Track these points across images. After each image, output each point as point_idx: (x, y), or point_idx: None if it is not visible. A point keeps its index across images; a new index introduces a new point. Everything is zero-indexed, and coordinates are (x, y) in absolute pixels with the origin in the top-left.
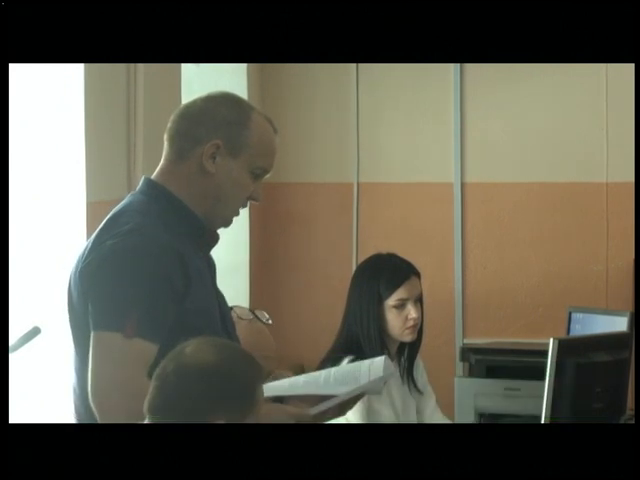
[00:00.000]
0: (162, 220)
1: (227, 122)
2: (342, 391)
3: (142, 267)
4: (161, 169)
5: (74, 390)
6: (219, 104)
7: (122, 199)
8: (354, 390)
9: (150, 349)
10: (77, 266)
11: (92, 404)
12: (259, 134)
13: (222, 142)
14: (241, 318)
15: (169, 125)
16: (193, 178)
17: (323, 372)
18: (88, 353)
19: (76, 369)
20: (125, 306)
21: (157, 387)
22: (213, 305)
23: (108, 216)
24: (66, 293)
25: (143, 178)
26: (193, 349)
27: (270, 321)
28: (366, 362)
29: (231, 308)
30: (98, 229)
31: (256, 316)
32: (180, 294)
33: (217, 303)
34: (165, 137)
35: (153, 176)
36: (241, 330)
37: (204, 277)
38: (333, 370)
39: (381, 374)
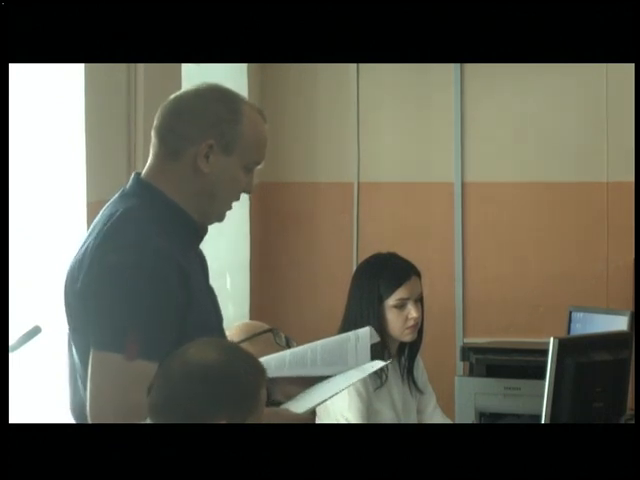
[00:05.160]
0: (159, 226)
1: (219, 120)
2: (329, 372)
3: (143, 285)
4: (152, 167)
5: (73, 410)
6: (209, 100)
7: None
8: (344, 382)
9: (152, 369)
10: (73, 278)
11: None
12: (251, 128)
13: (215, 141)
14: (279, 344)
15: (158, 121)
16: (187, 178)
17: (309, 350)
18: (82, 359)
19: (80, 376)
20: (126, 326)
21: (159, 387)
22: (212, 314)
23: (105, 226)
24: (63, 299)
25: (134, 176)
26: (196, 350)
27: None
28: (351, 337)
29: (270, 330)
30: (94, 240)
31: (289, 347)
32: (182, 309)
33: (212, 304)
34: (153, 133)
35: (144, 174)
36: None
37: (202, 284)
38: (319, 347)
39: (368, 347)
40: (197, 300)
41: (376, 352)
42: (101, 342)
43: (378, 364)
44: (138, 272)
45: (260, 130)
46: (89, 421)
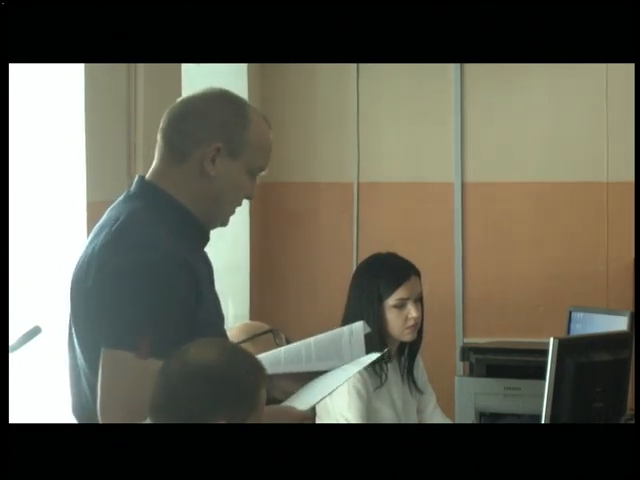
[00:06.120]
0: (166, 228)
1: (227, 124)
2: (325, 367)
3: (153, 284)
4: (158, 170)
5: (75, 410)
6: (217, 104)
7: None
8: (342, 375)
9: None
10: (80, 279)
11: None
12: (257, 134)
13: (223, 144)
14: (279, 345)
15: (164, 124)
16: (193, 181)
17: (303, 346)
18: (89, 358)
19: (85, 375)
20: (138, 325)
21: (160, 387)
22: (214, 315)
23: (112, 227)
24: (68, 299)
25: (139, 179)
26: (196, 350)
27: None
28: (345, 331)
29: (270, 330)
30: (102, 242)
31: None
32: (191, 308)
33: (215, 306)
34: (159, 136)
35: (149, 176)
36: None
37: (208, 285)
38: (313, 343)
39: (362, 341)
40: (204, 300)
41: (375, 351)
42: (113, 341)
43: (374, 356)
44: (147, 272)
45: (266, 137)
46: (99, 418)
